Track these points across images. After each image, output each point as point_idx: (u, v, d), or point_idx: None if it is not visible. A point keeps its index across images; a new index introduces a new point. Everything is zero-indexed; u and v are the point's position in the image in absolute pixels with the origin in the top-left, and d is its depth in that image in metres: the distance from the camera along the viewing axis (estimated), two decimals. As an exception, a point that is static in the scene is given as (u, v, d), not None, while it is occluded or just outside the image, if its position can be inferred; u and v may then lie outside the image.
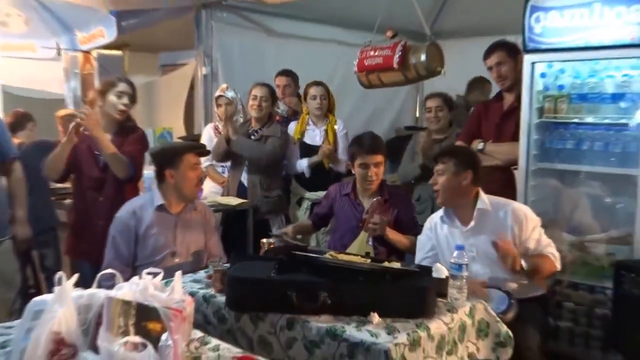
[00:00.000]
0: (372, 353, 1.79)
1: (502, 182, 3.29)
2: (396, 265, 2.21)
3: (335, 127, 4.19)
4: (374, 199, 3.01)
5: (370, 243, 2.92)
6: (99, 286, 1.58)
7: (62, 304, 1.41)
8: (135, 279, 1.56)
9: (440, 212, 2.79)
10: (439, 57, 3.94)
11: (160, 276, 1.60)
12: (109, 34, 4.82)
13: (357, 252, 2.68)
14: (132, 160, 3.14)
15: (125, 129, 3.24)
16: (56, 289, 1.43)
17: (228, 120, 3.82)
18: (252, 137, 3.87)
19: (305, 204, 4.03)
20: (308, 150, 4.16)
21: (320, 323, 1.94)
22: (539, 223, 2.68)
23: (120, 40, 4.96)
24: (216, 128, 4.26)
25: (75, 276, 1.48)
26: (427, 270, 2.22)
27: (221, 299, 2.19)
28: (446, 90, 4.13)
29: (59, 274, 1.45)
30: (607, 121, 3.06)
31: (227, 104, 4.06)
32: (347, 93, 5.12)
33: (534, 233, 2.63)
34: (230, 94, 4.09)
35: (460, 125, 3.93)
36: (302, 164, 4.13)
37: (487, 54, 3.47)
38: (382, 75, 4.09)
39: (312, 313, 1.99)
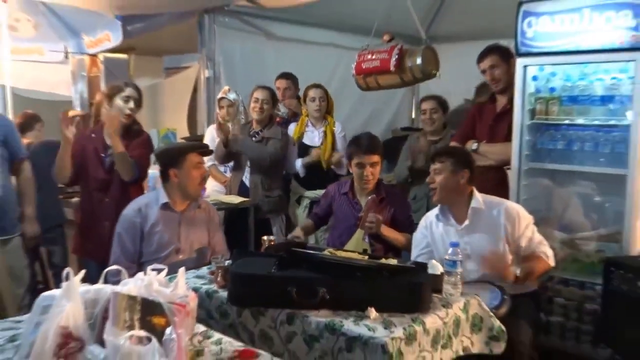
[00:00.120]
0: (369, 347, 1.81)
1: (496, 182, 3.32)
2: (393, 261, 2.23)
3: (334, 128, 4.21)
4: (369, 198, 3.05)
5: (366, 240, 2.95)
6: (106, 282, 1.59)
7: (70, 299, 1.42)
8: (140, 274, 1.57)
9: (435, 211, 2.81)
10: (434, 61, 3.96)
11: (165, 272, 1.60)
12: (115, 38, 4.86)
13: (354, 249, 2.70)
14: (138, 163, 3.20)
15: (131, 132, 3.29)
16: (64, 284, 1.44)
17: (223, 125, 3.82)
18: (254, 138, 3.89)
19: (305, 203, 4.05)
20: (306, 150, 4.18)
21: (319, 318, 1.96)
22: (532, 221, 2.70)
23: (125, 44, 4.99)
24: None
25: (83, 272, 1.49)
26: (423, 266, 2.25)
27: (223, 294, 2.22)
28: (441, 92, 4.14)
29: (67, 269, 1.46)
30: (596, 123, 3.08)
31: (229, 105, 4.09)
32: (345, 95, 5.11)
33: (527, 231, 2.65)
34: (232, 96, 4.11)
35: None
36: (297, 164, 4.16)
37: (481, 57, 3.51)
38: (379, 78, 4.12)
39: (312, 308, 2.01)
